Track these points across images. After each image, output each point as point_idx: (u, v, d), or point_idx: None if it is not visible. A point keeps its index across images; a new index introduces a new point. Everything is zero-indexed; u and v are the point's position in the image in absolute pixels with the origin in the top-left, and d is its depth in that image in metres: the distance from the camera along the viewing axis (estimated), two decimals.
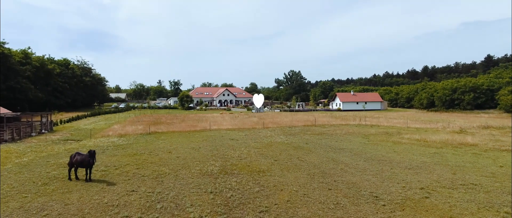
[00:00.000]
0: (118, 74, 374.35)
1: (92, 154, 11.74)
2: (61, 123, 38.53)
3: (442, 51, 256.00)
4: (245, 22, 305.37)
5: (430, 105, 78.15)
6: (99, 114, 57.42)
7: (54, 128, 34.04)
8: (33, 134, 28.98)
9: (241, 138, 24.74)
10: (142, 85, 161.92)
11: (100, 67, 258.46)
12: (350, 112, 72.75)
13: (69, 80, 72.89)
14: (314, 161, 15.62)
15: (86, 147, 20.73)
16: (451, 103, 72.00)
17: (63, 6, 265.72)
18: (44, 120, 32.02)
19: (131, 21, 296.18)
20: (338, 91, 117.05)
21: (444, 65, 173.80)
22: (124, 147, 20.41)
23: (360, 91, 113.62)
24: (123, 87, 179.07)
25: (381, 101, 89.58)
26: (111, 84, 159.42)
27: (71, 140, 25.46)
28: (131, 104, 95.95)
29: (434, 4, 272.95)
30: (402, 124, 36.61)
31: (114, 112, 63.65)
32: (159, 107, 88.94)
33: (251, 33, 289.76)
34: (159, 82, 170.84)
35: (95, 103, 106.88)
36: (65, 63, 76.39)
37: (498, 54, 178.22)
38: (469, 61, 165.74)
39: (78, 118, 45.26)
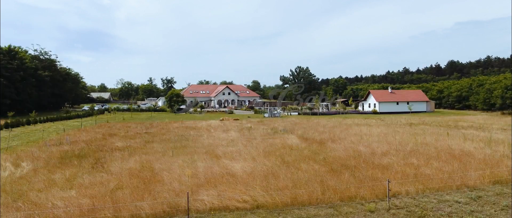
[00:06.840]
0: (118, 75, 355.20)
1: None
2: None
3: (442, 50, 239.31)
4: (245, 22, 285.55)
5: (504, 107, 58.37)
6: (36, 121, 37.43)
7: None
8: None
9: None
10: (129, 84, 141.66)
11: (99, 67, 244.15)
12: (391, 115, 53.07)
13: (13, 73, 53.05)
14: None
15: None
16: None
17: (62, 6, 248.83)
18: None
19: (131, 21, 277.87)
20: (352, 89, 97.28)
21: (469, 60, 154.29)
22: None
23: (378, 89, 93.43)
24: (111, 86, 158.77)
25: (426, 101, 69.91)
26: (95, 82, 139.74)
27: None
28: (104, 107, 76.15)
29: (433, 4, 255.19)
30: None
31: (65, 119, 43.66)
32: (142, 110, 68.71)
33: (251, 33, 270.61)
34: (150, 80, 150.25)
35: (67, 105, 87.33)
36: (9, 51, 56.23)
37: (496, 53, 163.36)
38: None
39: None
